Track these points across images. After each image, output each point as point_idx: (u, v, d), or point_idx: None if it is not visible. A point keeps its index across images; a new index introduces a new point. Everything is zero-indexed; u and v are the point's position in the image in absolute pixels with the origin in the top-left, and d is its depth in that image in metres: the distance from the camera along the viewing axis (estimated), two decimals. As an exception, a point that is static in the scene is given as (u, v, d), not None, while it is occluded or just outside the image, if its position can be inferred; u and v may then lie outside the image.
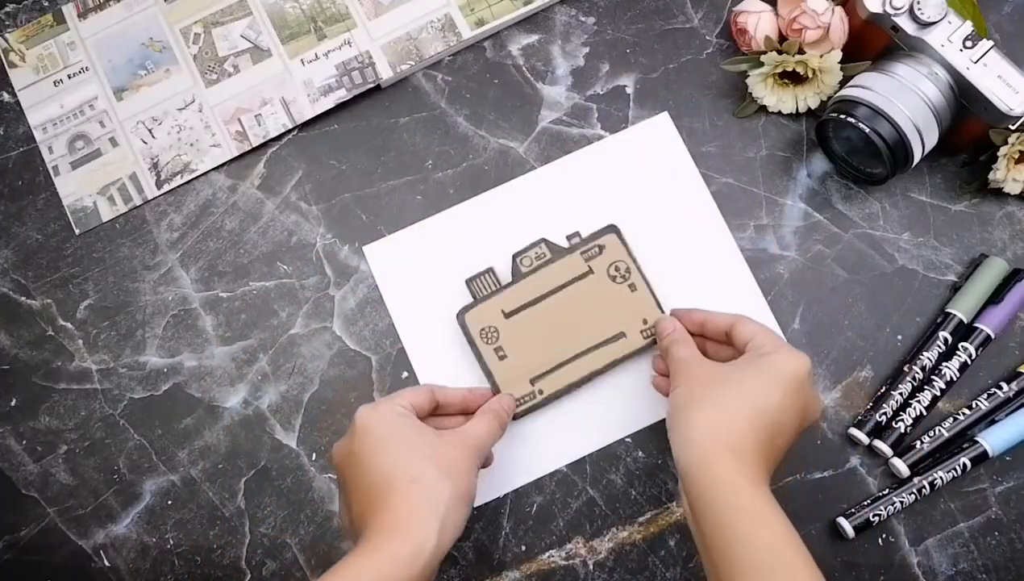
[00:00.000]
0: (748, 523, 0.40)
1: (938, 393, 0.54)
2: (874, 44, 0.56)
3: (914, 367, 0.54)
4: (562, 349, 0.55)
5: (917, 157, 0.53)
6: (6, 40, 0.63)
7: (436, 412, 0.51)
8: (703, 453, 0.42)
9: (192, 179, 0.60)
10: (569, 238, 0.57)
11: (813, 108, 0.58)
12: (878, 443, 0.53)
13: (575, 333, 0.55)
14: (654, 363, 0.54)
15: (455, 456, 0.45)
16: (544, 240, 0.56)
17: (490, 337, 0.55)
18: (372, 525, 0.42)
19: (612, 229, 0.56)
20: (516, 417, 0.54)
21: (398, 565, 0.40)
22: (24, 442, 0.57)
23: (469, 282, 0.56)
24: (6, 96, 0.62)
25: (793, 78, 0.57)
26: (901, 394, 0.54)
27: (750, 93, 0.59)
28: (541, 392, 0.54)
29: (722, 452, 0.41)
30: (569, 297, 0.55)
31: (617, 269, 0.55)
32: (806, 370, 0.45)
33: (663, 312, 0.55)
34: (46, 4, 0.64)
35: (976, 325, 0.55)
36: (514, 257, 0.56)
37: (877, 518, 0.52)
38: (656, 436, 0.55)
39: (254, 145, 0.60)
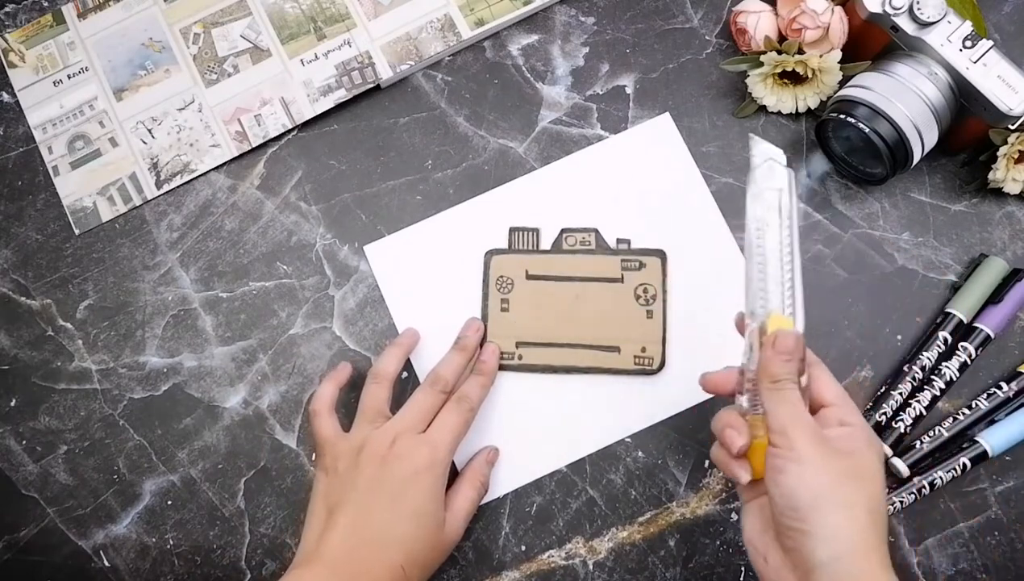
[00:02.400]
0: None
1: (938, 393, 0.54)
2: (874, 44, 0.56)
3: (914, 367, 0.54)
4: (558, 332, 0.56)
5: (917, 157, 0.53)
6: (6, 40, 0.63)
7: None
8: (858, 572, 0.37)
9: (192, 179, 0.60)
10: (619, 241, 0.57)
11: (813, 108, 0.58)
12: (878, 443, 0.53)
13: (577, 325, 0.56)
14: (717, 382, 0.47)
15: (440, 553, 0.49)
16: (597, 231, 0.57)
17: (504, 286, 0.56)
18: (341, 570, 0.46)
19: (660, 254, 0.57)
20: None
21: None
22: (24, 442, 0.57)
23: (513, 230, 0.58)
24: (6, 96, 0.62)
25: (793, 78, 0.57)
26: (901, 394, 0.54)
27: (750, 93, 0.59)
28: (521, 358, 0.55)
29: (877, 571, 0.38)
30: (590, 291, 0.56)
31: (645, 290, 0.56)
32: (876, 450, 0.42)
33: (663, 347, 0.55)
34: (46, 4, 0.64)
35: (976, 325, 0.55)
36: (562, 231, 0.57)
37: (877, 518, 0.52)
38: (656, 436, 0.55)
39: (254, 145, 0.60)
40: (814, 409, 0.43)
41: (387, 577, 0.45)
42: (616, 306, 0.56)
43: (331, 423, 0.51)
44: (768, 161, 0.45)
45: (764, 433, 0.42)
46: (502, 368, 0.56)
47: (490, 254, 0.57)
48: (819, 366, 0.45)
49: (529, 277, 0.56)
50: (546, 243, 0.57)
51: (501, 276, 0.57)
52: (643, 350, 0.55)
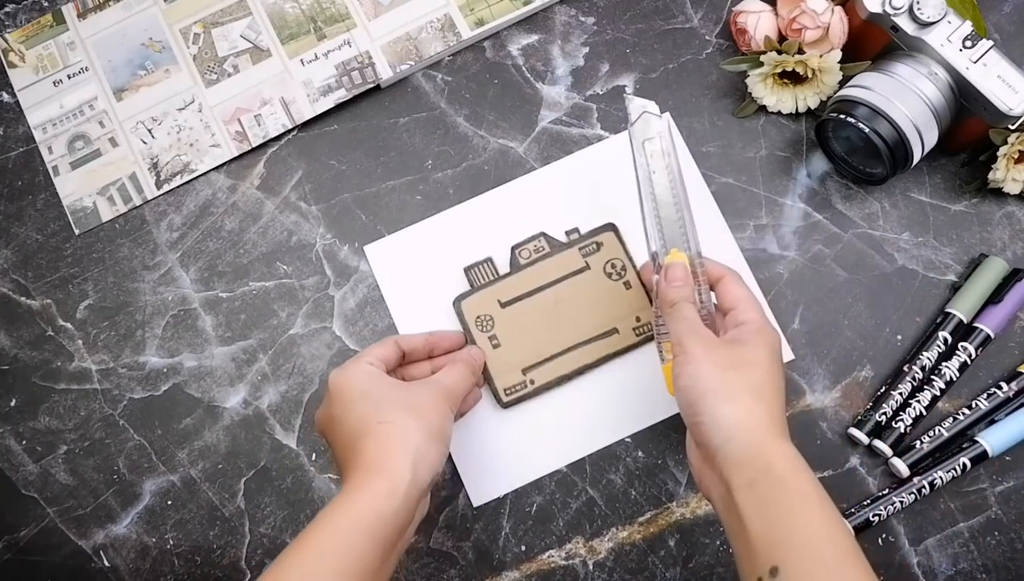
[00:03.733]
0: (803, 507, 0.40)
1: (938, 393, 0.54)
2: (874, 44, 0.56)
3: (914, 367, 0.54)
4: (555, 341, 0.55)
5: (917, 157, 0.53)
6: (6, 40, 0.63)
7: (404, 362, 0.52)
8: (748, 444, 0.41)
9: (192, 179, 0.60)
10: (568, 234, 0.57)
11: (813, 108, 0.58)
12: (878, 443, 0.53)
13: (568, 326, 0.55)
14: (644, 276, 0.54)
15: (425, 398, 0.47)
16: (543, 234, 0.57)
17: (485, 325, 0.56)
18: (350, 470, 0.44)
19: (610, 227, 0.56)
20: (506, 406, 0.55)
21: (377, 501, 0.42)
22: (24, 442, 0.57)
23: (468, 270, 0.57)
24: (6, 96, 0.62)
25: (793, 78, 0.57)
26: (901, 394, 0.54)
27: (750, 93, 0.59)
28: (532, 382, 0.55)
29: (767, 441, 0.41)
30: (564, 291, 0.56)
31: (613, 266, 0.56)
32: (775, 341, 0.47)
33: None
34: (46, 4, 0.64)
35: (976, 325, 0.55)
36: (513, 249, 0.57)
37: (877, 518, 0.52)
38: (656, 436, 0.55)
39: (254, 145, 0.60)
40: (725, 309, 0.48)
41: (374, 444, 0.45)
42: (594, 292, 0.56)
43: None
44: (643, 113, 0.50)
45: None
46: (519, 401, 0.55)
47: (458, 301, 0.56)
48: (729, 276, 0.49)
49: (503, 305, 0.56)
50: (503, 266, 0.57)
51: (478, 317, 0.56)
52: (638, 319, 0.55)
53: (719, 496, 0.42)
